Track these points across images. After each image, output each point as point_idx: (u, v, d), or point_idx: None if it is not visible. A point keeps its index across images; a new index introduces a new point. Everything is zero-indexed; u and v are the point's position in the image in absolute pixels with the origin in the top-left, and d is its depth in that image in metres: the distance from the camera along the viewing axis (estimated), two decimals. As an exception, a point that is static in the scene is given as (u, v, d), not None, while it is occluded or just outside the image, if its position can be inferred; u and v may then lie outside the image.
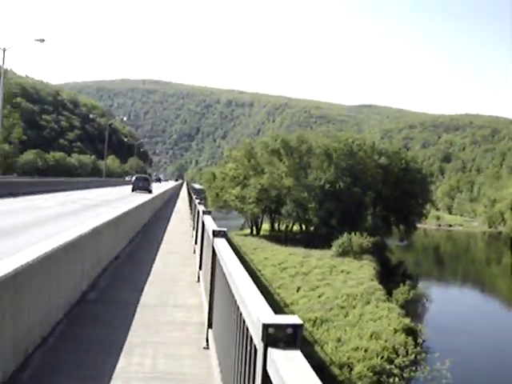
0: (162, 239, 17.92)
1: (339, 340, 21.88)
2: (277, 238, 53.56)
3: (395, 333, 23.05)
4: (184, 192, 71.22)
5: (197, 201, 17.30)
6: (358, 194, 50.28)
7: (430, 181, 72.17)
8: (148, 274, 11.31)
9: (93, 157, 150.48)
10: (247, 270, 4.08)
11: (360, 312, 26.14)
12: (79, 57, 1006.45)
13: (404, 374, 19.69)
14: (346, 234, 42.38)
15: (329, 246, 42.64)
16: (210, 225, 8.15)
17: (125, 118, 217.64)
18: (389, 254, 51.23)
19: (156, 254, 14.29)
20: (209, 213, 10.61)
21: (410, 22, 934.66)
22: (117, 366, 5.59)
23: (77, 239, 7.97)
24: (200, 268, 10.31)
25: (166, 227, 22.48)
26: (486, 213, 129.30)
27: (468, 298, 44.78)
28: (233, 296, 3.70)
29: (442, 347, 23.98)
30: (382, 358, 20.23)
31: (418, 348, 22.60)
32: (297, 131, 73.47)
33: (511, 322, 37.14)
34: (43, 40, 41.62)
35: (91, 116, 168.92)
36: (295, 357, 2.15)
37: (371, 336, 22.33)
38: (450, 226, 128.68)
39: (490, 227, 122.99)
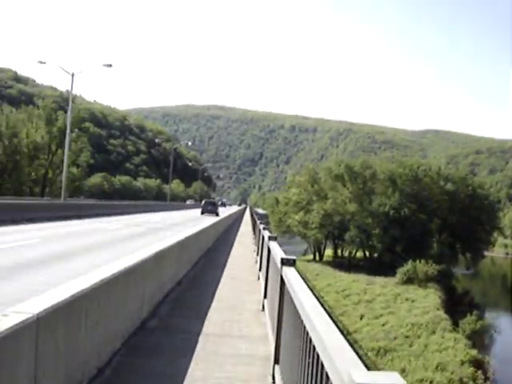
0: (225, 264, 17.61)
1: (403, 371, 21.42)
2: (340, 264, 52.95)
3: (462, 364, 22.37)
4: (247, 216, 71.46)
5: (261, 226, 16.67)
6: (423, 220, 49.59)
7: (497, 208, 69.60)
8: (211, 300, 10.98)
9: (158, 181, 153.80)
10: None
11: (425, 342, 25.63)
12: (146, 83, 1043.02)
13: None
14: (410, 261, 41.52)
15: (393, 274, 41.86)
16: (278, 252, 7.67)
17: (189, 143, 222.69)
18: (455, 282, 50.24)
19: (219, 281, 13.95)
20: (275, 239, 10.11)
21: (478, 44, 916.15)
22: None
23: (139, 264, 7.65)
24: (265, 296, 9.87)
25: (229, 252, 22.25)
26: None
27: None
28: (307, 334, 3.28)
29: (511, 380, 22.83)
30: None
31: (488, 383, 21.50)
32: (361, 156, 72.88)
33: None
34: (111, 65, 42.69)
35: (157, 141, 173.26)
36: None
37: (437, 367, 21.80)
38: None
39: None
